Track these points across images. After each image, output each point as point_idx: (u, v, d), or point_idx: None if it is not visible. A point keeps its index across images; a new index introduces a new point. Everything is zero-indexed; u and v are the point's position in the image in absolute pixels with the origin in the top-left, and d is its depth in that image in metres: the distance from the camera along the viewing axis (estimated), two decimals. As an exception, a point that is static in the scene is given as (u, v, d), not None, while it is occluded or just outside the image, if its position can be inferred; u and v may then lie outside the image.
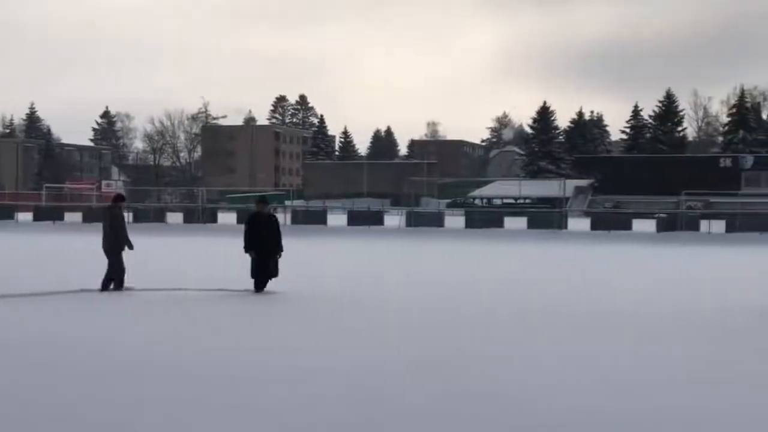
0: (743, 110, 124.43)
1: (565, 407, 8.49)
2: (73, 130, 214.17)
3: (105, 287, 18.06)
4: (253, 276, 18.24)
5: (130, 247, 18.42)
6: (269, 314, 15.64)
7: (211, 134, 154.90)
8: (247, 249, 18.34)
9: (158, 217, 55.10)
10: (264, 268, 18.15)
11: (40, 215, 56.62)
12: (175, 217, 55.82)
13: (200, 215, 54.99)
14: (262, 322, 14.56)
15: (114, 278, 18.24)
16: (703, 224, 48.41)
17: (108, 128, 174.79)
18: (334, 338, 12.65)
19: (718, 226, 47.36)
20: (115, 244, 18.27)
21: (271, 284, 18.22)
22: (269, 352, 11.42)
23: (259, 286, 18.14)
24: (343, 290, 18.97)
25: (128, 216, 55.51)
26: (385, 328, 13.67)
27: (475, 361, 10.94)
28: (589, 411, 8.37)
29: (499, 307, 16.37)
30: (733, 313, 15.76)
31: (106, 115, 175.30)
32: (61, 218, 55.97)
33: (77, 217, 56.17)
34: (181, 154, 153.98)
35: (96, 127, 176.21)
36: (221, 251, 30.21)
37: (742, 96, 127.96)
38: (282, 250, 18.52)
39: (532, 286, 20.68)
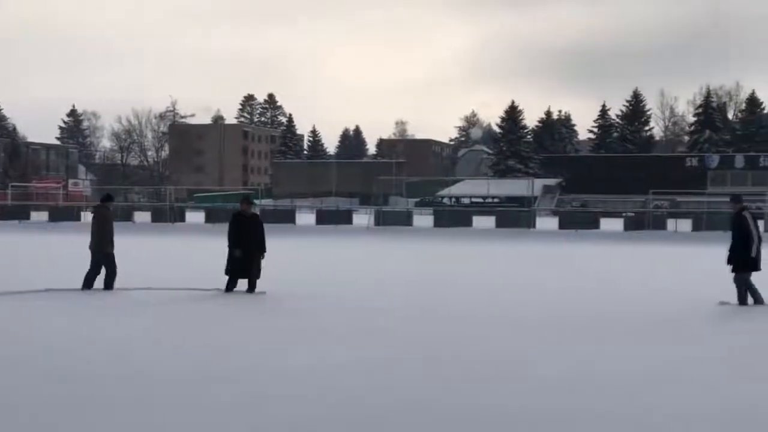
0: (709, 110, 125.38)
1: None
2: (40, 128, 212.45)
3: (106, 286, 18.12)
4: (227, 273, 18.01)
5: (107, 248, 18.27)
6: (243, 314, 15.54)
7: (179, 133, 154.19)
8: (231, 247, 18.03)
9: (126, 216, 54.73)
10: (246, 268, 17.92)
11: (6, 214, 56.21)
12: (142, 217, 55.56)
13: (168, 214, 54.74)
14: (238, 321, 14.48)
15: (110, 277, 18.27)
16: (670, 223, 48.81)
17: (75, 127, 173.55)
18: (309, 338, 12.62)
19: (685, 224, 47.81)
20: (101, 243, 18.26)
21: (243, 284, 18.13)
22: (244, 350, 11.39)
23: (232, 285, 17.95)
24: (315, 290, 18.77)
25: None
26: (358, 328, 13.65)
27: (430, 362, 10.95)
28: (510, 409, 8.40)
29: (470, 308, 16.40)
30: (690, 312, 15.92)
31: (72, 113, 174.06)
32: (27, 217, 55.61)
33: (43, 216, 55.80)
34: (149, 153, 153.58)
35: (63, 125, 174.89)
36: (191, 250, 30.10)
37: (708, 96, 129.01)
38: (265, 251, 18.35)
39: (499, 286, 20.74)
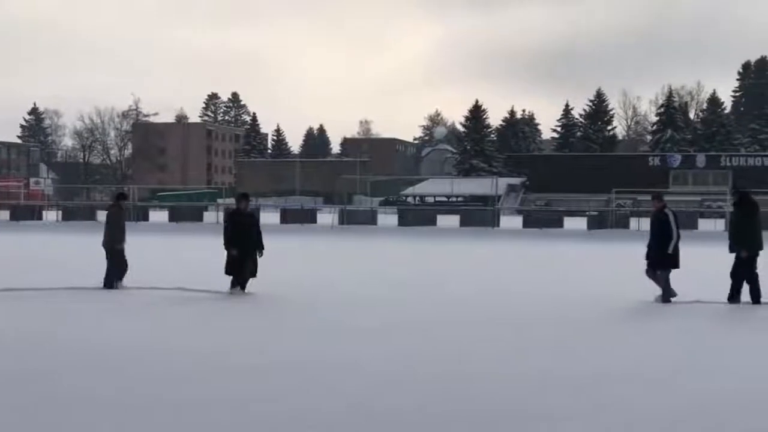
0: (671, 110, 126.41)
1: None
2: (1, 127, 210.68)
3: (109, 285, 18.16)
4: (228, 273, 17.59)
5: (118, 244, 18.48)
6: (229, 314, 15.49)
7: (142, 132, 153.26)
8: (228, 246, 17.64)
9: (88, 215, 54.37)
10: (244, 267, 17.54)
11: (-34, 213, 55.67)
12: (105, 215, 55.07)
13: (132, 213, 54.36)
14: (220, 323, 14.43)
15: (112, 274, 18.30)
16: (633, 222, 49.13)
17: (36, 125, 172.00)
18: (281, 336, 12.63)
19: (647, 223, 48.00)
20: (112, 240, 18.47)
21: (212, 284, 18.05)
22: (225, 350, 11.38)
23: (236, 283, 17.51)
24: (285, 291, 18.60)
25: (58, 214, 54.94)
26: (332, 326, 13.66)
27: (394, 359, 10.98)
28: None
29: (439, 308, 16.45)
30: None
31: (34, 111, 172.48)
32: (-12, 216, 55.10)
33: (4, 215, 55.29)
34: (112, 152, 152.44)
35: (24, 123, 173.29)
36: (156, 250, 29.92)
37: (670, 96, 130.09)
38: (263, 249, 17.97)
39: (463, 284, 20.81)
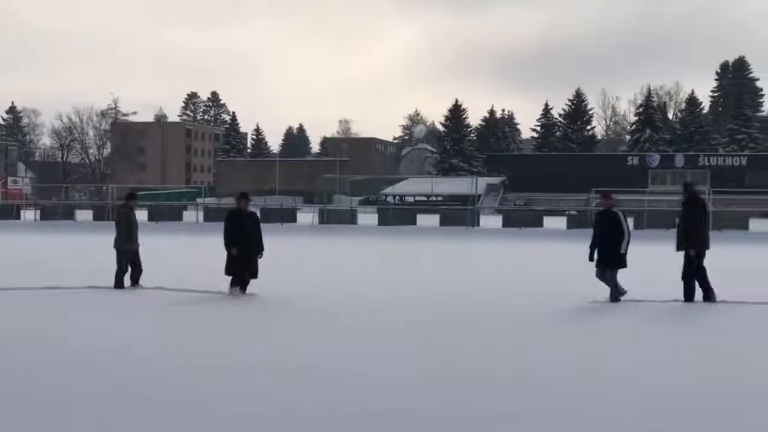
0: (650, 110, 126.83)
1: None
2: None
3: (119, 285, 18.26)
4: (228, 273, 17.41)
5: (123, 245, 18.52)
6: (221, 315, 15.47)
7: (121, 131, 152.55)
8: (228, 246, 17.43)
9: (67, 214, 54.12)
10: (245, 267, 17.36)
11: (-57, 212, 55.33)
12: (84, 215, 54.91)
13: (110, 213, 54.11)
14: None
15: (119, 275, 18.36)
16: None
17: (14, 124, 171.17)
18: (269, 336, 12.62)
19: (628, 222, 48.23)
20: (119, 240, 18.55)
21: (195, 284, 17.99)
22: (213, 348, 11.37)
23: (236, 283, 17.34)
24: (273, 290, 18.46)
25: (36, 214, 54.66)
26: (312, 326, 13.67)
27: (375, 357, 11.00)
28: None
29: (415, 307, 16.48)
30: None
31: (12, 110, 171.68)
32: (-35, 215, 54.79)
33: (-17, 214, 55.00)
34: (90, 151, 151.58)
35: (1, 122, 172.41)
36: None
37: (648, 96, 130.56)
38: (263, 249, 17.81)
39: (440, 282, 20.86)
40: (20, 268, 23.26)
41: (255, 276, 17.53)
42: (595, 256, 16.76)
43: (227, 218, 17.88)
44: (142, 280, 18.51)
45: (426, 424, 7.88)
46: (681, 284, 16.58)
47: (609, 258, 16.53)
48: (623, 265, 16.60)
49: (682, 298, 16.57)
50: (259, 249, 17.68)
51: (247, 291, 17.37)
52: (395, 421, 7.92)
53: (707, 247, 16.79)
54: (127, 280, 18.42)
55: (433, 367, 10.31)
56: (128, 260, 18.48)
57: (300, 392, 8.93)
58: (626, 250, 16.53)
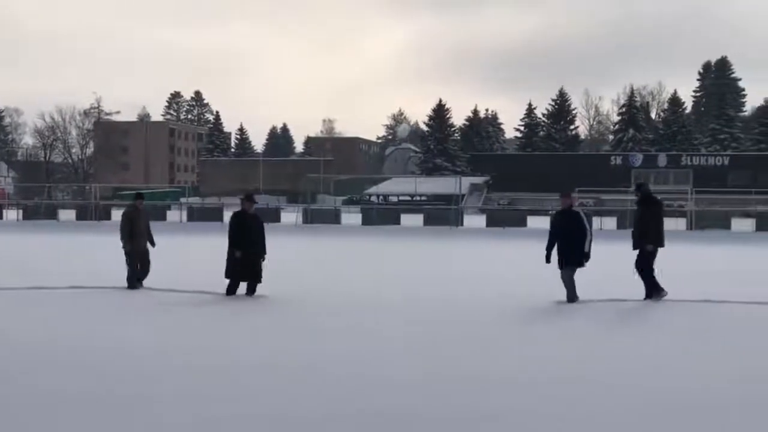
0: (633, 110, 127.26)
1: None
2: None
3: (131, 286, 18.22)
4: (228, 276, 17.13)
5: (125, 246, 18.51)
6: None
7: (104, 130, 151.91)
8: (232, 248, 17.08)
9: (50, 214, 53.91)
10: (250, 271, 17.09)
11: (-76, 212, 55.07)
12: (67, 215, 54.72)
13: (93, 212, 53.98)
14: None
15: (130, 275, 18.33)
16: (595, 221, 49.36)
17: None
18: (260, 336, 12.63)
19: (610, 222, 48.46)
20: (121, 241, 18.52)
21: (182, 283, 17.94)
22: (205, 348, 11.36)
23: (234, 288, 17.07)
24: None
25: (19, 213, 54.42)
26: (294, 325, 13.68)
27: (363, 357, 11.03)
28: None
29: (398, 305, 16.51)
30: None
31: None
32: (-54, 215, 54.58)
33: (-35, 214, 54.79)
34: (73, 151, 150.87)
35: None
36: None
37: (631, 96, 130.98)
38: (266, 252, 17.50)
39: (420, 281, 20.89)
40: (3, 267, 23.17)
41: (258, 279, 17.23)
42: (554, 258, 16.56)
43: (232, 220, 17.55)
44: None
45: (423, 423, 7.93)
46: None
47: (571, 258, 16.34)
48: (583, 264, 16.45)
49: (644, 296, 16.71)
50: (262, 252, 17.38)
51: (256, 293, 17.13)
52: (391, 422, 7.97)
53: (662, 245, 16.91)
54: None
55: (431, 367, 10.34)
56: (138, 260, 18.45)
57: (292, 393, 8.95)
58: (590, 248, 16.41)
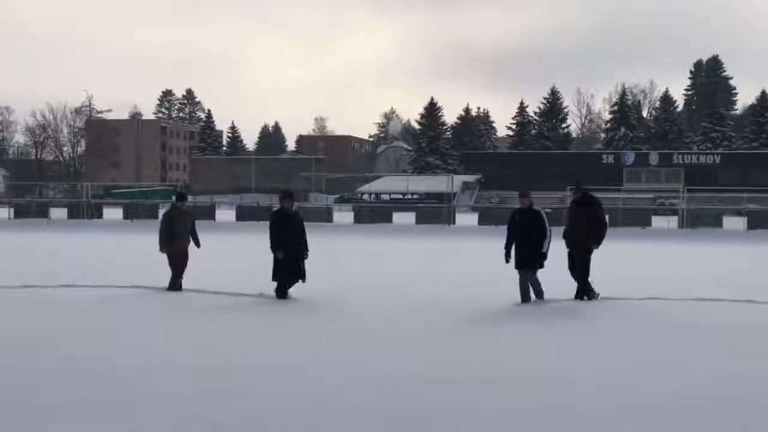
0: (624, 108, 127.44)
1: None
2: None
3: (172, 287, 17.83)
4: (275, 279, 16.66)
5: (163, 248, 18.06)
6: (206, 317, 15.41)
7: (96, 128, 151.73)
8: (274, 249, 16.55)
9: (41, 212, 53.79)
10: (293, 271, 16.58)
11: None
12: (58, 213, 54.60)
13: (85, 211, 53.88)
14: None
15: (174, 276, 17.98)
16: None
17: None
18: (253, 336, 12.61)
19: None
20: (159, 242, 18.06)
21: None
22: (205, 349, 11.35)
23: (284, 290, 16.63)
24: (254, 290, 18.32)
25: (10, 212, 54.27)
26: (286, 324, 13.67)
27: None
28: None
29: (393, 303, 16.51)
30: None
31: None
32: (-63, 214, 54.42)
33: (-44, 212, 54.66)
34: (65, 149, 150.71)
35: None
36: (115, 246, 29.67)
37: (623, 94, 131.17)
38: (308, 250, 17.01)
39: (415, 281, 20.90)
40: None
41: (304, 279, 16.77)
42: (513, 258, 16.35)
43: (272, 220, 16.92)
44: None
45: (423, 423, 7.93)
46: (651, 283, 16.59)
47: (530, 258, 16.16)
48: (542, 265, 16.27)
49: (576, 297, 16.64)
50: (305, 250, 16.95)
51: (292, 295, 16.70)
52: (379, 421, 7.97)
53: (598, 245, 16.78)
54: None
55: (423, 367, 10.36)
56: (179, 261, 17.94)
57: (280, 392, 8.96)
58: (548, 248, 16.23)
